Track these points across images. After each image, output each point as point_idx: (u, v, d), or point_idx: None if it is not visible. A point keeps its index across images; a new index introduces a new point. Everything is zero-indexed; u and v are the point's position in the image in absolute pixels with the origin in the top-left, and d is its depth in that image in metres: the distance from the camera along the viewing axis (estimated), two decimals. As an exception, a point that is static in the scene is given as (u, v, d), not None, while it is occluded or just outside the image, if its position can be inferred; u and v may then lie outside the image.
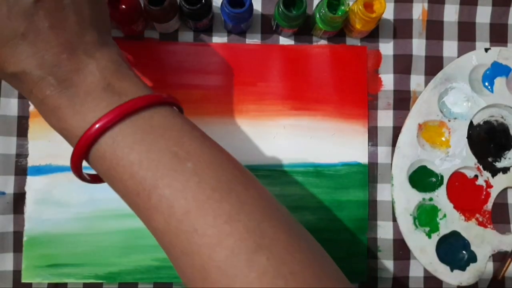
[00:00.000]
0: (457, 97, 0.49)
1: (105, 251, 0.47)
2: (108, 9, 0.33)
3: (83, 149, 0.28)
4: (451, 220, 0.48)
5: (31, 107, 0.47)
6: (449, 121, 0.48)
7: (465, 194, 0.49)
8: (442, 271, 0.47)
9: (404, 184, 0.48)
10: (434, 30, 0.50)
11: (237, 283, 0.25)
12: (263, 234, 0.27)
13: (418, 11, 0.50)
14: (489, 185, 0.49)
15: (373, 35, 0.49)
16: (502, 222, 0.49)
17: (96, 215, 0.47)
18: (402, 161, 0.48)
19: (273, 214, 0.29)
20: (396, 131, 0.49)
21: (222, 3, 0.43)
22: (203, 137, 0.31)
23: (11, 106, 0.47)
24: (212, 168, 0.28)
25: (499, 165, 0.49)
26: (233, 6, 0.43)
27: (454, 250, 0.48)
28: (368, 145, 0.49)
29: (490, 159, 0.49)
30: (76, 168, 0.29)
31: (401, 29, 0.50)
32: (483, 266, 0.48)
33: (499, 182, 0.49)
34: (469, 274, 0.47)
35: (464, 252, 0.48)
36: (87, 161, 0.29)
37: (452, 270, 0.47)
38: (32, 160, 0.47)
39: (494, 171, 0.49)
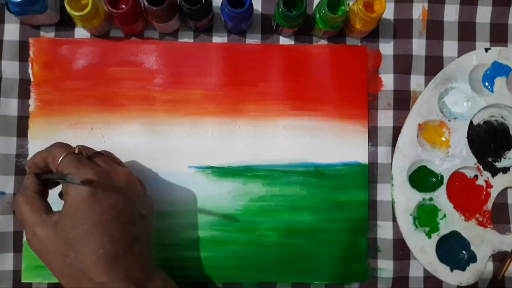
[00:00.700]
0: (457, 97, 0.49)
1: (105, 251, 0.47)
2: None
3: None
4: (451, 220, 0.48)
5: (31, 107, 0.47)
6: (449, 121, 0.48)
7: (465, 194, 0.49)
8: (442, 271, 0.47)
9: (404, 184, 0.48)
10: (434, 30, 0.50)
11: None
12: None
13: (418, 11, 0.50)
14: (489, 185, 0.49)
15: (373, 35, 0.49)
16: (502, 222, 0.49)
17: (96, 215, 0.47)
18: (402, 161, 0.48)
19: None
20: (396, 131, 0.49)
21: (222, 3, 0.43)
22: None
23: (11, 106, 0.47)
24: None
25: (499, 165, 0.49)
26: (233, 6, 0.43)
27: (454, 250, 0.48)
28: (368, 145, 0.49)
29: (490, 159, 0.49)
30: None
31: (401, 29, 0.49)
32: (483, 266, 0.48)
33: (499, 182, 0.49)
34: (469, 274, 0.47)
35: (464, 252, 0.48)
36: None
37: (452, 270, 0.47)
38: (32, 160, 0.47)
39: (494, 171, 0.49)
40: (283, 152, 0.48)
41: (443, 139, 0.49)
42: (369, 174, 0.49)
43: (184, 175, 0.48)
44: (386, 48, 0.49)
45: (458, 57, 0.49)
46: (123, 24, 0.45)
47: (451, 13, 0.50)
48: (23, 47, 0.47)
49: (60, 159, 0.35)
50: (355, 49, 0.49)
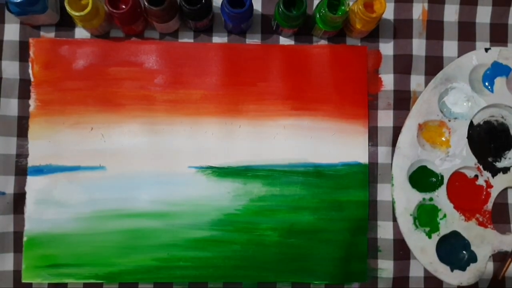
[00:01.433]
0: (457, 97, 0.49)
1: (105, 251, 0.47)
2: None
3: None
4: (451, 220, 0.48)
5: (31, 107, 0.47)
6: (449, 121, 0.48)
7: (465, 194, 0.49)
8: (442, 271, 0.47)
9: (404, 184, 0.48)
10: (434, 30, 0.50)
11: None
12: None
13: (418, 11, 0.50)
14: (489, 185, 0.49)
15: (373, 35, 0.49)
16: (502, 222, 0.49)
17: (96, 216, 0.47)
18: (402, 161, 0.48)
19: None
20: (396, 131, 0.49)
21: (222, 3, 0.43)
22: None
23: (11, 106, 0.47)
24: None
25: (499, 165, 0.49)
26: (233, 6, 0.43)
27: (454, 250, 0.48)
28: (368, 145, 0.49)
29: (490, 159, 0.49)
30: None
31: (401, 29, 0.49)
32: (483, 266, 0.48)
33: (499, 182, 0.49)
34: (469, 274, 0.47)
35: (464, 252, 0.48)
36: None
37: (452, 270, 0.47)
38: (32, 160, 0.47)
39: (494, 171, 0.49)
40: (283, 152, 0.48)
41: (443, 139, 0.49)
42: (369, 174, 0.49)
43: (184, 175, 0.48)
44: (386, 48, 0.49)
45: (458, 57, 0.49)
46: (123, 24, 0.45)
47: (451, 13, 0.50)
48: (23, 47, 0.47)
49: None
50: (355, 49, 0.49)
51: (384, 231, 0.49)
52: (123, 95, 0.48)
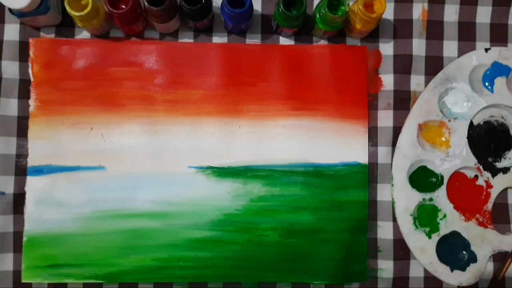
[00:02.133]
0: (457, 97, 0.49)
1: (105, 251, 0.47)
2: None
3: None
4: (451, 220, 0.48)
5: (31, 107, 0.47)
6: (449, 121, 0.48)
7: (465, 194, 0.49)
8: (442, 271, 0.47)
9: (404, 184, 0.48)
10: (434, 30, 0.50)
11: None
12: None
13: (418, 11, 0.50)
14: (489, 185, 0.49)
15: (373, 35, 0.49)
16: (502, 222, 0.49)
17: (96, 216, 0.47)
18: (402, 161, 0.48)
19: None
20: (396, 131, 0.49)
21: (222, 3, 0.43)
22: None
23: (11, 106, 0.47)
24: None
25: (499, 165, 0.49)
26: (233, 6, 0.43)
27: (454, 250, 0.48)
28: (368, 145, 0.49)
29: (490, 159, 0.49)
30: None
31: (401, 29, 0.49)
32: (483, 266, 0.48)
33: (499, 182, 0.49)
34: (469, 275, 0.47)
35: (464, 252, 0.48)
36: None
37: (452, 270, 0.47)
38: (32, 160, 0.47)
39: (494, 171, 0.49)
40: (283, 152, 0.48)
41: (443, 139, 0.49)
42: (369, 174, 0.49)
43: (184, 175, 0.48)
44: (386, 48, 0.49)
45: (458, 57, 0.49)
46: (123, 24, 0.45)
47: (451, 13, 0.50)
48: (23, 47, 0.47)
49: None
50: (355, 49, 0.49)
51: (384, 231, 0.49)
52: (123, 95, 0.48)
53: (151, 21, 0.45)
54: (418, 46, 0.49)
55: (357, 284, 0.48)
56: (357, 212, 0.48)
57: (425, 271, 0.48)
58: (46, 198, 0.47)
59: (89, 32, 0.48)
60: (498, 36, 0.50)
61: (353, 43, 0.49)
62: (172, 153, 0.48)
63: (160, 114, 0.48)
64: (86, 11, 0.42)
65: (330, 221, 0.48)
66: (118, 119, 0.48)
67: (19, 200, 0.47)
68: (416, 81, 0.49)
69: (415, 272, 0.49)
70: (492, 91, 0.49)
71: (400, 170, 0.48)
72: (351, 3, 0.45)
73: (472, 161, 0.48)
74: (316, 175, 0.48)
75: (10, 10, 0.44)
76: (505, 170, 0.49)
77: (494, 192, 0.49)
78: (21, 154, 0.47)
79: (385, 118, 0.49)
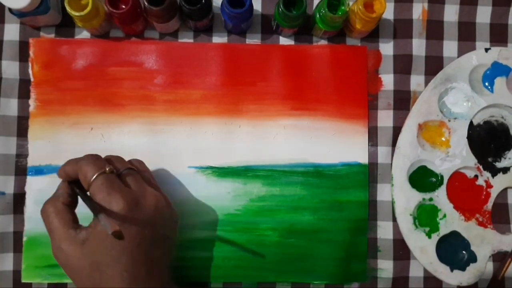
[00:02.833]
0: (457, 97, 0.49)
1: (105, 251, 0.47)
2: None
3: None
4: (451, 220, 0.48)
5: (31, 107, 0.47)
6: (449, 121, 0.48)
7: (465, 194, 0.49)
8: (442, 271, 0.47)
9: (404, 184, 0.48)
10: (434, 30, 0.50)
11: None
12: None
13: (418, 11, 0.50)
14: (489, 185, 0.49)
15: (373, 35, 0.49)
16: (502, 222, 0.49)
17: (96, 215, 0.47)
18: (402, 161, 0.48)
19: None
20: (396, 131, 0.49)
21: (222, 3, 0.43)
22: None
23: (11, 106, 0.47)
24: None
25: (499, 165, 0.49)
26: (233, 6, 0.43)
27: (454, 250, 0.48)
28: (368, 145, 0.49)
29: (490, 159, 0.49)
30: None
31: (401, 29, 0.49)
32: (483, 266, 0.48)
33: (499, 182, 0.49)
34: (469, 274, 0.47)
35: (464, 252, 0.48)
36: None
37: (452, 270, 0.47)
38: (32, 160, 0.47)
39: (494, 171, 0.49)
40: (283, 152, 0.48)
41: (443, 139, 0.49)
42: (369, 174, 0.49)
43: (184, 175, 0.48)
44: (386, 48, 0.49)
45: (458, 57, 0.49)
46: (123, 24, 0.45)
47: (451, 13, 0.50)
48: (23, 47, 0.47)
49: (91, 179, 0.36)
50: (355, 49, 0.49)
51: (384, 231, 0.49)
52: (123, 95, 0.48)
53: (151, 21, 0.45)
54: (418, 46, 0.49)
55: (357, 284, 0.49)
56: (357, 212, 0.48)
57: (425, 271, 0.48)
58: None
59: (89, 32, 0.48)
60: (498, 36, 0.50)
61: (353, 43, 0.49)
62: (172, 153, 0.48)
63: (160, 114, 0.48)
64: (86, 11, 0.42)
65: (330, 221, 0.48)
66: (118, 119, 0.48)
67: (19, 200, 0.47)
68: (416, 81, 0.49)
69: (415, 272, 0.49)
70: (492, 91, 0.49)
71: (400, 170, 0.48)
72: (351, 3, 0.45)
73: (472, 161, 0.48)
74: (316, 175, 0.48)
75: (10, 10, 0.44)
76: (505, 170, 0.49)
77: (494, 192, 0.49)
78: (21, 154, 0.47)
79: (385, 118, 0.49)
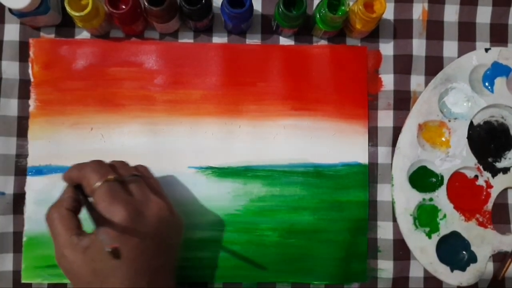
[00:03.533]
0: (457, 97, 0.49)
1: (105, 251, 0.47)
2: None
3: None
4: (451, 220, 0.48)
5: (31, 107, 0.47)
6: (449, 121, 0.48)
7: (465, 194, 0.49)
8: (442, 271, 0.47)
9: (404, 184, 0.48)
10: (434, 30, 0.50)
11: None
12: None
13: (418, 11, 0.50)
14: (489, 185, 0.49)
15: (373, 35, 0.49)
16: (502, 222, 0.49)
17: (96, 215, 0.47)
18: (402, 161, 0.48)
19: None
20: (396, 131, 0.49)
21: (222, 3, 0.43)
22: None
23: (11, 106, 0.47)
24: None
25: (499, 165, 0.49)
26: (233, 6, 0.43)
27: (454, 250, 0.48)
28: (368, 145, 0.49)
29: (490, 159, 0.49)
30: None
31: (401, 29, 0.49)
32: (483, 266, 0.48)
33: (499, 182, 0.49)
34: (469, 275, 0.47)
35: (464, 252, 0.48)
36: None
37: (452, 270, 0.47)
38: (32, 161, 0.47)
39: (494, 171, 0.49)
40: (283, 152, 0.48)
41: (443, 139, 0.49)
42: (369, 174, 0.49)
43: (184, 175, 0.48)
44: (386, 48, 0.49)
45: (458, 57, 0.49)
46: (123, 25, 0.45)
47: (451, 13, 0.50)
48: (23, 47, 0.47)
49: (94, 187, 0.36)
50: (355, 49, 0.49)
51: (384, 231, 0.49)
52: (123, 95, 0.48)
53: (151, 21, 0.45)
54: (418, 46, 0.49)
55: (357, 284, 0.48)
56: (357, 212, 0.48)
57: (425, 271, 0.48)
58: (46, 198, 0.47)
59: (89, 32, 0.48)
60: (498, 36, 0.50)
61: (353, 43, 0.49)
62: (172, 153, 0.48)
63: (160, 114, 0.48)
64: (86, 11, 0.42)
65: (330, 221, 0.48)
66: (118, 119, 0.48)
67: (19, 200, 0.47)
68: (416, 81, 0.49)
69: (415, 272, 0.49)
70: (492, 91, 0.49)
71: (400, 170, 0.48)
72: (351, 3, 0.45)
73: (472, 161, 0.48)
74: (316, 175, 0.48)
75: (10, 10, 0.44)
76: (505, 170, 0.49)
77: (494, 192, 0.49)
78: (21, 154, 0.47)
79: (385, 118, 0.49)
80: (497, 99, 0.48)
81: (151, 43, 0.48)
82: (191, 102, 0.48)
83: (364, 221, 0.48)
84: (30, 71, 0.47)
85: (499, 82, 0.48)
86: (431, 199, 0.48)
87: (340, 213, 0.48)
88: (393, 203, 0.48)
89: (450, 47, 0.50)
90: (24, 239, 0.47)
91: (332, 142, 0.48)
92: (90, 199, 0.37)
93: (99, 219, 0.35)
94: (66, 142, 0.47)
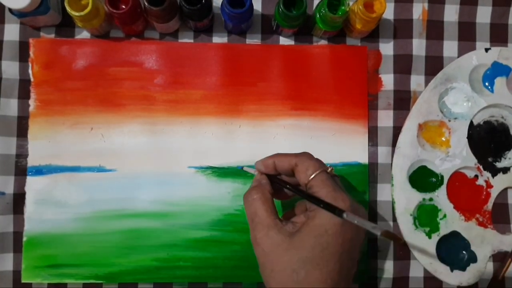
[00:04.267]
0: (457, 97, 0.49)
1: (105, 251, 0.47)
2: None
3: None
4: (451, 220, 0.48)
5: (31, 107, 0.47)
6: (449, 121, 0.48)
7: (465, 194, 0.49)
8: (442, 271, 0.47)
9: (404, 184, 0.48)
10: (434, 30, 0.50)
11: None
12: None
13: (418, 11, 0.50)
14: (489, 185, 0.49)
15: (373, 35, 0.49)
16: (502, 222, 0.49)
17: (95, 216, 0.47)
18: (402, 161, 0.48)
19: None
20: (396, 131, 0.49)
21: (222, 3, 0.43)
22: None
23: (11, 106, 0.47)
24: None
25: (499, 165, 0.49)
26: (233, 6, 0.43)
27: (454, 250, 0.48)
28: (368, 145, 0.49)
29: (490, 159, 0.49)
30: None
31: (401, 29, 0.49)
32: (483, 266, 0.48)
33: (499, 182, 0.49)
34: (469, 274, 0.47)
35: (464, 252, 0.48)
36: None
37: (452, 270, 0.47)
38: (32, 160, 0.47)
39: (494, 171, 0.49)
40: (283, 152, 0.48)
41: (443, 139, 0.49)
42: (369, 174, 0.49)
43: (184, 175, 0.48)
44: (386, 48, 0.49)
45: (458, 57, 0.49)
46: (123, 24, 0.45)
47: (451, 13, 0.50)
48: (23, 47, 0.47)
49: (314, 174, 0.35)
50: (355, 49, 0.49)
51: (384, 231, 0.49)
52: (123, 95, 0.48)
53: (151, 21, 0.45)
54: (418, 46, 0.49)
55: (357, 284, 0.48)
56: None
57: (425, 271, 0.48)
58: (46, 198, 0.47)
59: (89, 32, 0.48)
60: (498, 36, 0.50)
61: (353, 43, 0.49)
62: (172, 153, 0.48)
63: (160, 114, 0.48)
64: (86, 11, 0.42)
65: (330, 221, 0.48)
66: (118, 119, 0.48)
67: (19, 200, 0.47)
68: (416, 81, 0.49)
69: (415, 272, 0.49)
70: (492, 91, 0.49)
71: (400, 170, 0.48)
72: (351, 3, 0.45)
73: (472, 161, 0.48)
74: (316, 175, 0.48)
75: (10, 10, 0.44)
76: (505, 170, 0.49)
77: (494, 192, 0.49)
78: (21, 154, 0.47)
79: (385, 118, 0.49)
80: (497, 99, 0.48)
81: (151, 43, 0.48)
82: (191, 102, 0.48)
83: (364, 221, 0.48)
84: (30, 71, 0.47)
85: (499, 82, 0.49)
86: (431, 199, 0.48)
87: (340, 213, 0.48)
88: (393, 203, 0.48)
89: (450, 47, 0.50)
90: (24, 239, 0.47)
91: (332, 142, 0.48)
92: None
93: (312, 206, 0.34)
94: (66, 142, 0.47)
